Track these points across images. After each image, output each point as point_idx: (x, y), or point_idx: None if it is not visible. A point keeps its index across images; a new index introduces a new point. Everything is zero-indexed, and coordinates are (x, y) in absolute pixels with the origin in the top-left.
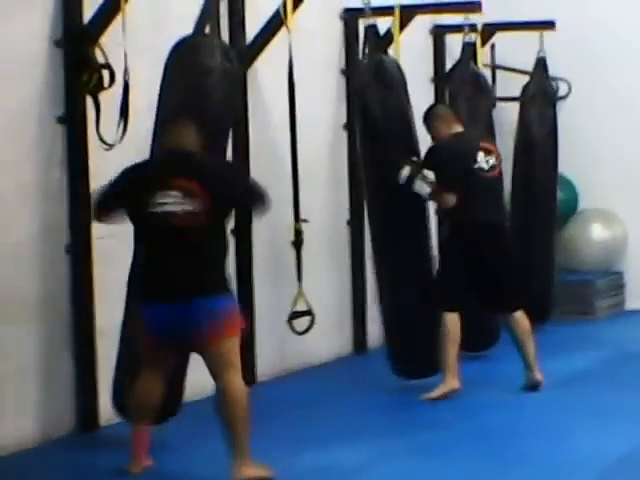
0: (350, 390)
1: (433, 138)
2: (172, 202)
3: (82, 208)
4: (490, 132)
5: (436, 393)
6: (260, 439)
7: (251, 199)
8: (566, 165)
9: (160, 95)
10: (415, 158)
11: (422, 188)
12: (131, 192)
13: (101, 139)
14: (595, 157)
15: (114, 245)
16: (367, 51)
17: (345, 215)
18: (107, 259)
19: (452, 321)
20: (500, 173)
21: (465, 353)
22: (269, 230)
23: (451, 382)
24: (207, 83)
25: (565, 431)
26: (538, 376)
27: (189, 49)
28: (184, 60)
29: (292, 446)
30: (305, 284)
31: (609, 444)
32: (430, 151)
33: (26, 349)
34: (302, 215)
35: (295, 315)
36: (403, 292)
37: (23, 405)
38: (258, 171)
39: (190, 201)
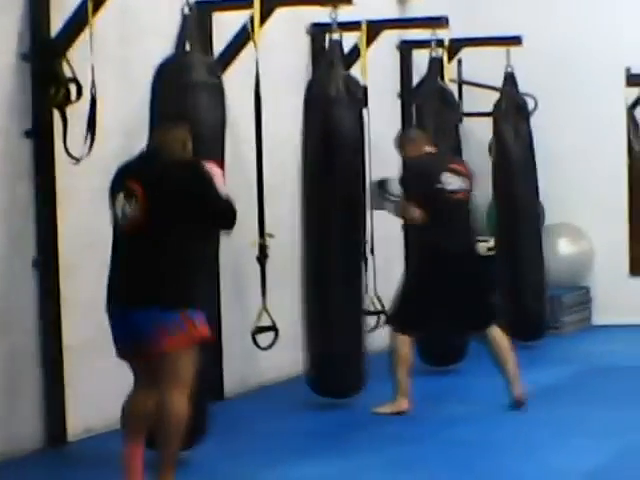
0: (318, 405)
1: (403, 159)
2: (124, 205)
3: (48, 222)
4: (457, 148)
5: (384, 409)
6: (229, 455)
7: (215, 215)
8: None
9: (151, 115)
10: (382, 179)
11: (381, 205)
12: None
13: (68, 153)
14: (561, 172)
15: (81, 259)
16: (324, 65)
17: None
18: (74, 273)
19: (403, 343)
20: (468, 195)
21: (434, 367)
22: (234, 245)
23: (401, 403)
24: (199, 101)
25: (534, 445)
26: (519, 392)
27: (177, 67)
28: (173, 78)
29: (261, 461)
30: (270, 299)
31: (577, 459)
32: (401, 169)
33: None
34: (267, 230)
35: (259, 330)
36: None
37: None
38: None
39: (134, 204)
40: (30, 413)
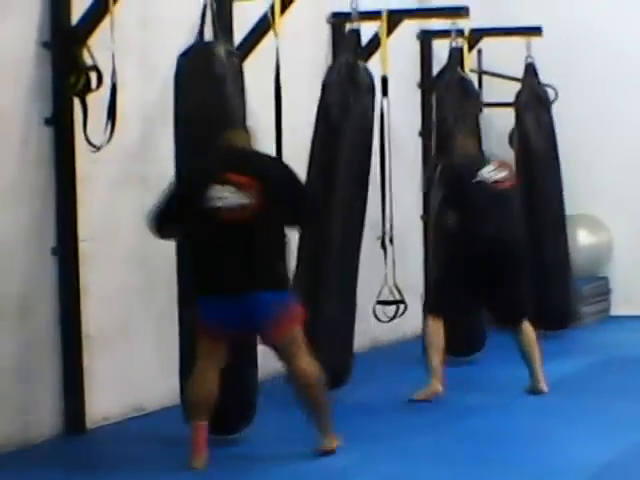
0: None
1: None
2: (227, 196)
3: (69, 210)
4: (477, 137)
5: (420, 395)
6: (251, 438)
7: (304, 205)
8: None
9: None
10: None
11: (434, 198)
12: (189, 188)
13: (88, 141)
14: (581, 163)
15: (101, 246)
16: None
17: None
18: (94, 260)
19: (435, 327)
20: (510, 187)
21: (453, 357)
22: None
23: (435, 386)
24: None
25: (551, 436)
26: (542, 386)
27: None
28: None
29: (280, 447)
30: None
31: (594, 450)
32: (440, 170)
33: (11, 351)
34: None
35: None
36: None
37: (7, 407)
38: None
39: (243, 194)
40: (49, 400)
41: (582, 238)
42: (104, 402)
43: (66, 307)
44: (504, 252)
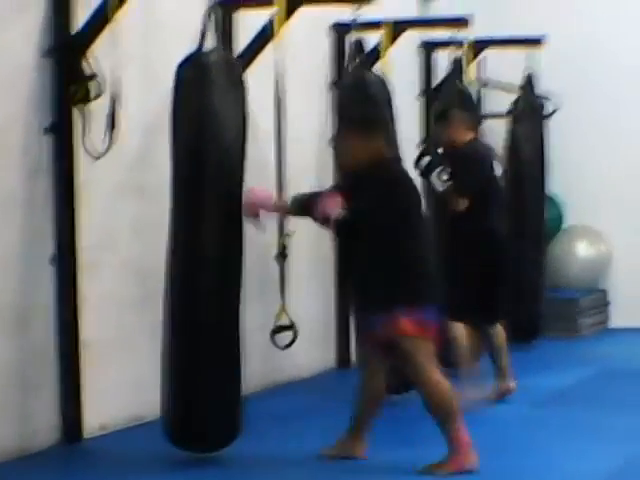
0: (333, 405)
1: (447, 141)
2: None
3: (67, 219)
4: None
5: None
6: (246, 452)
7: None
8: (551, 183)
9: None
10: (439, 150)
11: (437, 182)
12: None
13: (87, 150)
14: (580, 175)
15: (100, 256)
16: (350, 66)
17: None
18: (93, 270)
19: (461, 331)
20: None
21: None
22: (254, 244)
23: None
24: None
25: (547, 449)
26: (511, 384)
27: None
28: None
29: (277, 460)
30: (289, 298)
31: (589, 462)
32: (455, 154)
33: (9, 360)
34: (288, 229)
35: (278, 329)
36: None
37: (5, 416)
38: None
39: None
40: (46, 410)
41: (581, 250)
42: (102, 412)
43: (64, 316)
44: (508, 248)
